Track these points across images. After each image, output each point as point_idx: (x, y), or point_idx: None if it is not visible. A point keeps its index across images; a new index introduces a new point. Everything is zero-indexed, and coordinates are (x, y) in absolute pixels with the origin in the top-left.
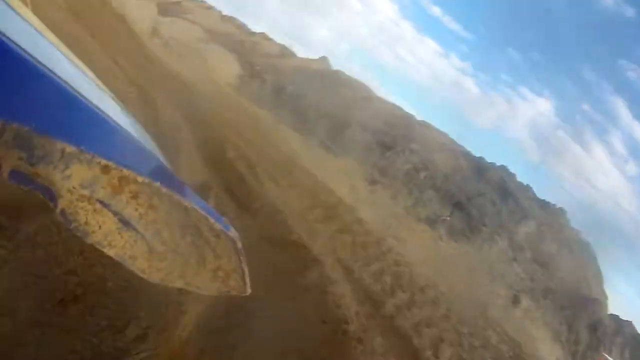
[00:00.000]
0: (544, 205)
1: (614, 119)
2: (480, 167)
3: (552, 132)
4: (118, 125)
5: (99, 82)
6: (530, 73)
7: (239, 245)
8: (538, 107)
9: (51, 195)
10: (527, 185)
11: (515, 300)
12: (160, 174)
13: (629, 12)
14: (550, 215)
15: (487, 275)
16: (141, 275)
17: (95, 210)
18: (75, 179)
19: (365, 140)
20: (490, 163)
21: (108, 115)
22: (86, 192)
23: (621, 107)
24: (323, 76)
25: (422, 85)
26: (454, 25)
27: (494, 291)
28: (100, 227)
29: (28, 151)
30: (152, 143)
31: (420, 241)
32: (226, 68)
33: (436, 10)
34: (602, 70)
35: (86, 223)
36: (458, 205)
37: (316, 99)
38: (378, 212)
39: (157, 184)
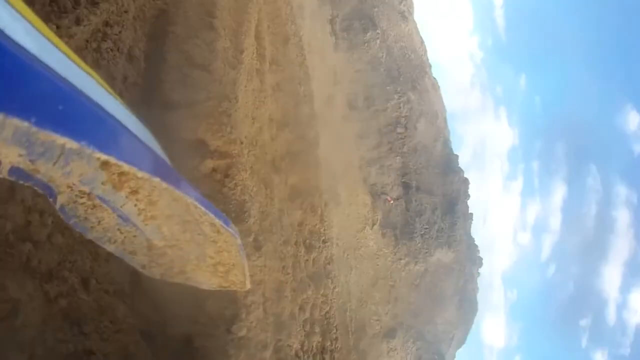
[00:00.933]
0: (471, 245)
1: None
2: (449, 165)
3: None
4: (117, 120)
5: (98, 78)
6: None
7: (239, 240)
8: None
9: (51, 191)
10: (471, 214)
11: (390, 334)
12: (160, 169)
13: None
14: (469, 258)
15: (385, 293)
16: (141, 270)
17: (94, 206)
18: (75, 175)
19: (376, 55)
20: (459, 168)
21: (108, 111)
22: (86, 188)
23: None
24: None
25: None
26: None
27: (379, 313)
28: (99, 222)
29: (28, 147)
30: (152, 138)
31: (351, 222)
32: None
33: None
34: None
35: (85, 219)
36: (405, 187)
37: None
38: (336, 148)
39: (157, 179)
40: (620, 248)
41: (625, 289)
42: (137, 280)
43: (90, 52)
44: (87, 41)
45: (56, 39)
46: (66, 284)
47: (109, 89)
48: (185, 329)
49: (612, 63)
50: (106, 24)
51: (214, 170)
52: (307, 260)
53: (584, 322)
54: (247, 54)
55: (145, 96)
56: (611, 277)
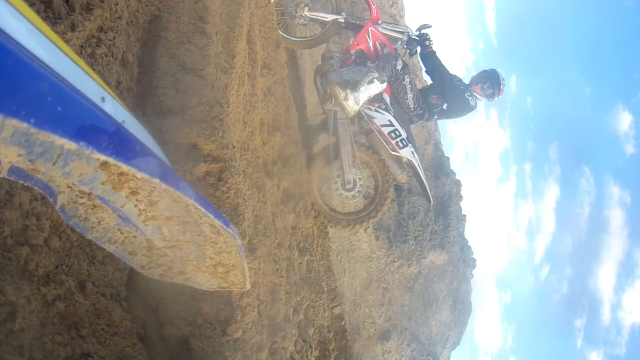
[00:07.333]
0: (465, 246)
1: None
2: (440, 167)
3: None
4: (117, 122)
5: (99, 80)
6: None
7: (239, 241)
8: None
9: (51, 191)
10: (464, 215)
11: (384, 336)
12: (159, 170)
13: None
14: (462, 259)
15: (379, 296)
16: (140, 271)
17: (94, 206)
18: (74, 175)
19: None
20: (451, 170)
21: (107, 112)
22: (86, 188)
23: None
24: None
25: None
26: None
27: (373, 316)
28: (99, 222)
29: (27, 148)
30: (151, 139)
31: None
32: None
33: None
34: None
35: (86, 219)
36: (398, 190)
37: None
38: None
39: (156, 180)
40: (614, 248)
41: (619, 288)
42: (133, 283)
43: (85, 57)
44: (81, 47)
45: (57, 39)
46: (63, 287)
47: (109, 90)
48: (182, 330)
49: (603, 63)
50: (100, 29)
51: (208, 174)
52: (300, 263)
53: (578, 323)
54: (238, 58)
55: (140, 101)
56: (605, 277)
